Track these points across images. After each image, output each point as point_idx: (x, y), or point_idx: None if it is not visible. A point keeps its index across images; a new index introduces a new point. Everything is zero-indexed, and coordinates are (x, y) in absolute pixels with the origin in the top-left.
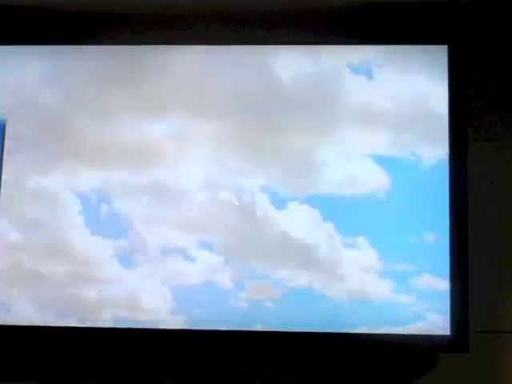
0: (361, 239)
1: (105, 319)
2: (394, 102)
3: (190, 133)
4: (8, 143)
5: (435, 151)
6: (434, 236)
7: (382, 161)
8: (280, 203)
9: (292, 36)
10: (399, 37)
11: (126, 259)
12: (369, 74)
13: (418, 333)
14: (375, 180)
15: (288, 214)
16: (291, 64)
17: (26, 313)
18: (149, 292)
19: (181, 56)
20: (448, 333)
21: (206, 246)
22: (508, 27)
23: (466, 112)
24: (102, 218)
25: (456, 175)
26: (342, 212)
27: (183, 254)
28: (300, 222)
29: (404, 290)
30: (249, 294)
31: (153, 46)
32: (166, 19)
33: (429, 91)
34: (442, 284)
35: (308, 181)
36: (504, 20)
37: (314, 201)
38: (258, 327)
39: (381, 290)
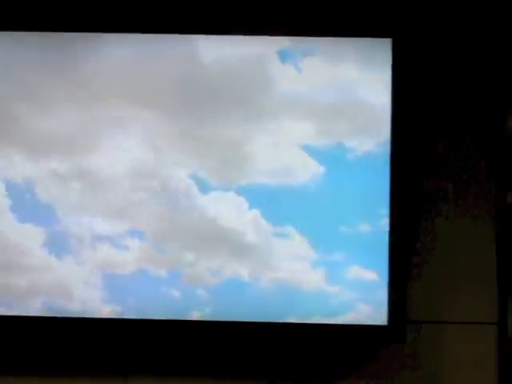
0: (293, 229)
1: (34, 307)
2: (328, 92)
3: (121, 121)
4: None
5: (371, 143)
6: (369, 226)
7: (313, 151)
8: (211, 192)
9: (228, 25)
10: (343, 28)
11: (57, 247)
12: (305, 64)
13: (354, 323)
14: (308, 170)
15: (219, 203)
16: (225, 53)
17: None
18: (80, 280)
19: (114, 44)
20: (385, 323)
21: (137, 234)
22: (454, 20)
23: (408, 104)
24: (32, 205)
25: (396, 167)
26: (274, 202)
27: (114, 242)
28: (231, 212)
29: (339, 281)
30: (181, 282)
31: (87, 34)
32: (102, 6)
33: (367, 83)
34: (377, 275)
35: (239, 170)
36: (450, 13)
37: (245, 190)
38: (192, 316)
39: (315, 279)
